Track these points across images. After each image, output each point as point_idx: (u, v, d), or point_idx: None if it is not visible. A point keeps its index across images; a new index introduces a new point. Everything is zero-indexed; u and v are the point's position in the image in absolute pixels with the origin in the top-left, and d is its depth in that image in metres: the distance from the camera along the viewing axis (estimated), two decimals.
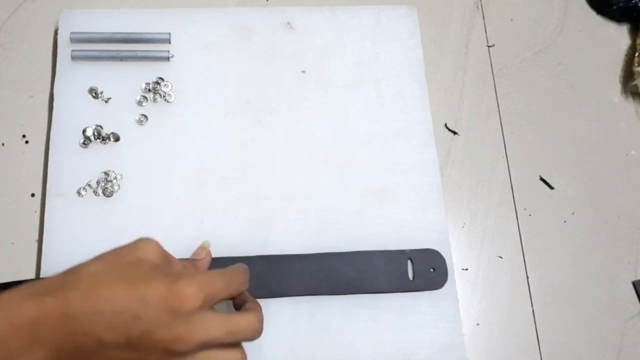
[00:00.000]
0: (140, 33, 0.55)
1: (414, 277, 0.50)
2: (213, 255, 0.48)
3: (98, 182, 0.51)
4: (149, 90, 0.54)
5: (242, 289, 0.41)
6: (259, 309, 0.41)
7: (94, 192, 0.51)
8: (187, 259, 0.46)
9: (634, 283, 0.54)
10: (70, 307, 0.34)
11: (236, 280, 0.40)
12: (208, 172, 0.52)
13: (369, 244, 0.51)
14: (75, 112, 0.53)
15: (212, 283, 0.38)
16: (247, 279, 0.42)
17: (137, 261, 0.37)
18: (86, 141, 0.52)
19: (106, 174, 0.51)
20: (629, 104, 0.60)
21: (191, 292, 0.36)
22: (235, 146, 0.53)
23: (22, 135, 0.53)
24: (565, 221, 0.55)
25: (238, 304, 0.42)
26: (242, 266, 0.42)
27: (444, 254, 0.51)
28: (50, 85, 0.54)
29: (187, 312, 0.35)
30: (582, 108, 0.60)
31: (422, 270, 0.50)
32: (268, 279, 0.48)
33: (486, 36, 0.61)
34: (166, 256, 0.39)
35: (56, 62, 0.54)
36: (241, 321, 0.38)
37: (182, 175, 0.52)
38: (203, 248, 0.47)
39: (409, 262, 0.50)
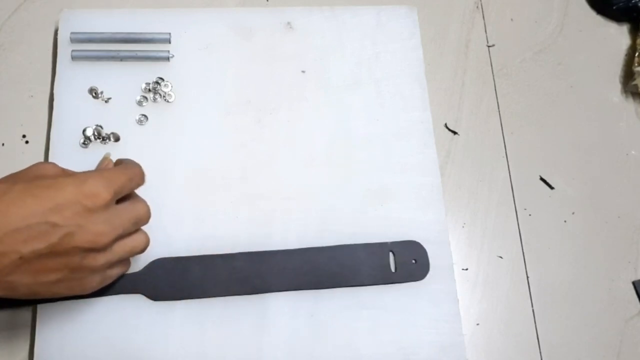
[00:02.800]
0: (140, 33, 0.55)
1: (396, 269, 0.50)
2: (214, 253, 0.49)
3: None
4: (149, 90, 0.54)
5: (141, 184, 0.43)
6: (139, 196, 0.44)
7: None
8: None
9: (634, 283, 0.54)
10: None
11: (136, 174, 0.42)
12: (208, 172, 0.52)
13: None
14: (75, 112, 0.53)
15: (118, 177, 0.39)
16: (143, 173, 0.43)
17: (38, 176, 0.38)
18: (86, 141, 0.52)
19: None
20: (629, 104, 0.60)
21: (101, 188, 0.37)
22: (235, 146, 0.53)
23: (22, 135, 0.53)
24: (565, 221, 0.55)
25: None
26: (134, 161, 0.44)
27: (444, 254, 0.51)
28: (50, 85, 0.54)
29: (100, 209, 0.37)
30: (582, 108, 0.60)
31: (404, 262, 0.50)
32: (251, 275, 0.49)
33: (486, 36, 0.61)
34: (64, 170, 0.40)
35: (56, 62, 0.54)
36: (139, 208, 0.41)
37: (182, 175, 0.52)
38: (105, 158, 0.49)
39: (391, 254, 0.50)
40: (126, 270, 0.45)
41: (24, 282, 0.37)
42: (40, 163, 0.41)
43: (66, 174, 0.40)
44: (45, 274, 0.37)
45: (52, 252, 0.36)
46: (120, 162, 0.45)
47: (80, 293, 0.41)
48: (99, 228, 0.37)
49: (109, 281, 0.43)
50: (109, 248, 0.39)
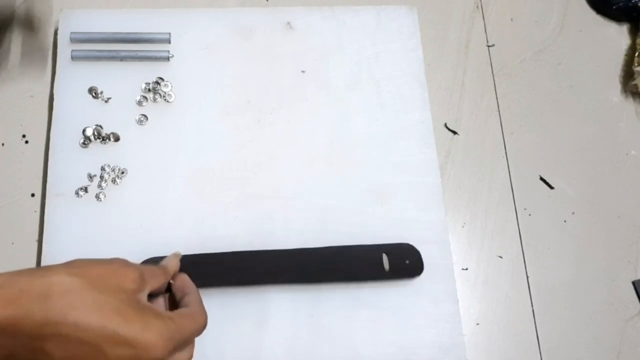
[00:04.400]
0: (140, 33, 0.55)
1: (389, 270, 0.50)
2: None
3: (98, 183, 0.51)
4: (149, 90, 0.54)
5: (199, 334, 0.40)
6: (199, 306, 0.41)
7: (94, 192, 0.51)
8: (157, 262, 0.45)
9: (634, 283, 0.54)
10: (31, 321, 0.32)
11: (201, 326, 0.40)
12: (208, 172, 0.52)
13: (368, 243, 0.51)
14: (75, 112, 0.53)
15: (182, 331, 0.37)
16: (205, 322, 0.41)
17: (115, 288, 0.35)
18: (86, 141, 0.52)
19: (106, 173, 0.51)
20: (629, 104, 0.60)
21: (160, 346, 0.35)
22: (235, 146, 0.53)
23: (22, 135, 0.53)
24: (565, 221, 0.55)
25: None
26: (195, 296, 0.42)
27: (444, 254, 0.51)
28: (50, 85, 0.54)
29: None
30: (582, 108, 0.60)
31: (397, 264, 0.50)
32: (246, 274, 0.49)
33: (486, 36, 0.61)
34: (142, 276, 0.38)
35: (56, 62, 0.54)
36: (190, 330, 0.38)
37: (182, 175, 0.52)
38: (175, 256, 0.46)
39: (384, 256, 0.50)
40: None
41: None
42: (124, 267, 0.38)
43: (141, 283, 0.37)
44: None
45: None
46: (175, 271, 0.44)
47: None
48: None
49: None
50: None
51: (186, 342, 0.38)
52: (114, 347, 0.33)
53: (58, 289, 0.33)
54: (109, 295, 0.35)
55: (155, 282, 0.40)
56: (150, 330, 0.35)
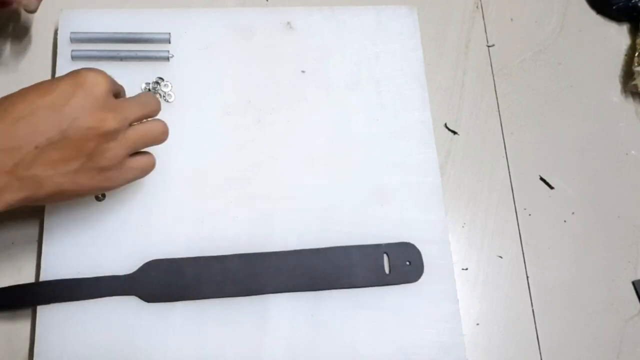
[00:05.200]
0: (140, 33, 0.55)
1: (390, 271, 0.50)
2: (212, 255, 0.49)
3: None
4: (149, 90, 0.54)
5: (155, 114, 0.45)
6: None
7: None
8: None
9: (634, 283, 0.54)
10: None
11: (150, 99, 0.45)
12: (208, 172, 0.52)
13: (368, 243, 0.51)
14: None
15: (109, 78, 0.41)
16: (159, 106, 0.46)
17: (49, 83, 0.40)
18: None
19: None
20: (629, 104, 0.60)
21: (97, 75, 0.40)
22: (235, 146, 0.53)
23: None
24: (565, 221, 0.55)
25: None
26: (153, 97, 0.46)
27: (444, 254, 0.51)
28: None
29: (101, 95, 0.39)
30: (582, 108, 0.60)
31: (398, 264, 0.50)
32: (245, 277, 0.49)
33: (486, 36, 0.61)
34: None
35: (56, 62, 0.54)
36: (147, 99, 0.44)
37: (182, 175, 0.52)
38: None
39: (385, 256, 0.50)
40: (150, 165, 0.46)
41: (46, 175, 0.39)
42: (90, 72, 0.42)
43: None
44: (64, 163, 0.39)
45: (65, 138, 0.38)
46: None
47: (106, 186, 0.42)
48: (103, 111, 0.39)
49: (134, 174, 0.44)
50: (121, 134, 0.40)
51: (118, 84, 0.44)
52: (62, 101, 0.38)
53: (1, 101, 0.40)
54: (42, 83, 0.41)
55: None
56: (79, 72, 0.40)
